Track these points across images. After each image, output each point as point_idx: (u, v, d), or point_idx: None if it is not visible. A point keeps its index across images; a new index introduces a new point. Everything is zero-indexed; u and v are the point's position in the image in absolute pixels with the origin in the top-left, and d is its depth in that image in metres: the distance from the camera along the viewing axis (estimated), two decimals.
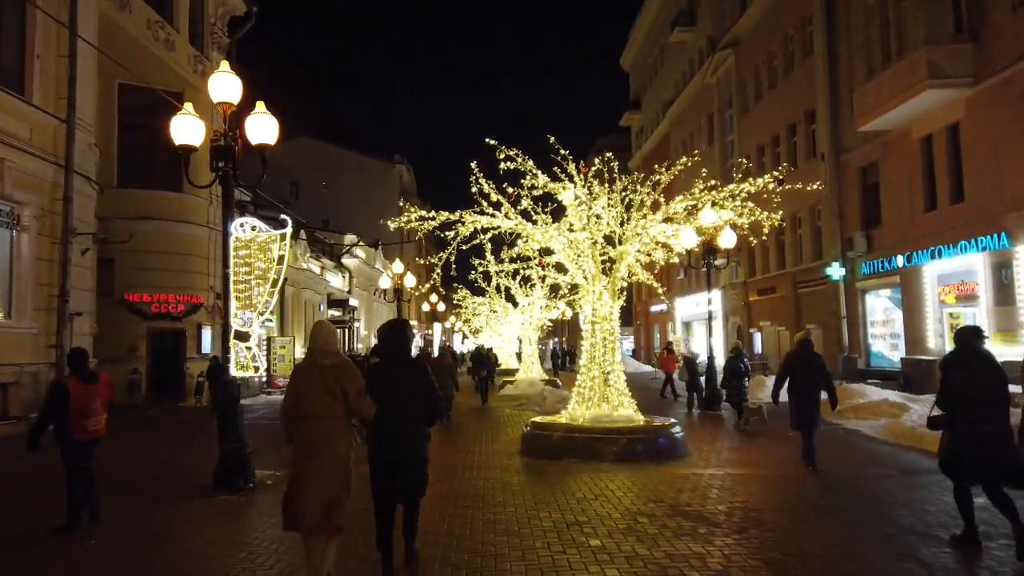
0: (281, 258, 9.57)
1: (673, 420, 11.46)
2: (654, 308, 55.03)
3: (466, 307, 33.02)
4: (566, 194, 10.75)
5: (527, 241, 11.70)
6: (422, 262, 11.50)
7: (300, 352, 35.06)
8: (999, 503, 5.99)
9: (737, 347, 17.62)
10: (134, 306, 22.66)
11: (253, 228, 9.76)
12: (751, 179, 10.28)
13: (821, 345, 28.60)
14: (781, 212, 11.00)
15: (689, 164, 10.96)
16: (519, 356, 37.00)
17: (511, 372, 33.60)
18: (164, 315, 23.10)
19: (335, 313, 46.25)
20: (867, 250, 24.91)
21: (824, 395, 10.01)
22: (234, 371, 9.95)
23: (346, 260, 51.52)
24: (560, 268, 12.25)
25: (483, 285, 26.26)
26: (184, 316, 23.54)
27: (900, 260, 22.61)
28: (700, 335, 47.62)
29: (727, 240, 19.00)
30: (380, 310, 59.42)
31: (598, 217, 11.01)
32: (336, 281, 47.78)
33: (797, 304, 30.66)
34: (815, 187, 10.46)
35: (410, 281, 29.90)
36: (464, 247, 11.71)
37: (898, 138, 22.66)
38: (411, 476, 5.44)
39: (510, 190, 10.44)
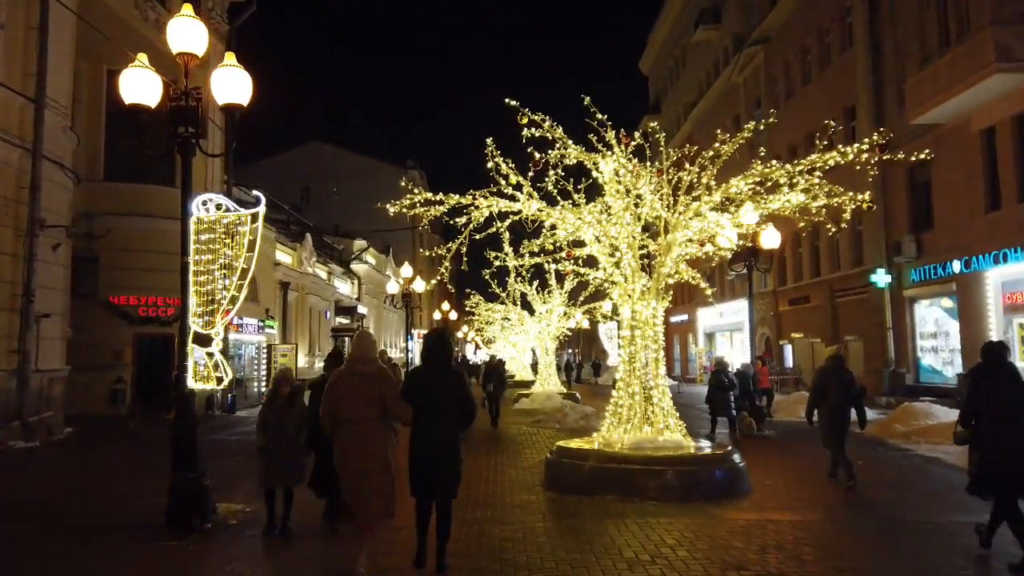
0: (252, 243, 7.66)
1: (729, 447, 9.46)
2: (674, 319, 52.87)
3: (479, 315, 31.07)
4: (606, 165, 8.80)
5: (553, 229, 9.78)
6: (427, 254, 9.46)
7: (303, 360, 33.26)
8: (1013, 519, 5.97)
9: (720, 361, 17.14)
10: (120, 309, 20.89)
11: (218, 207, 7.85)
12: (840, 147, 8.32)
13: (862, 359, 26.50)
14: (869, 193, 9.00)
15: (749, 132, 8.96)
16: (534, 367, 35.04)
17: (526, 384, 31.62)
18: (152, 319, 21.32)
19: (343, 320, 44.52)
20: (917, 255, 22.82)
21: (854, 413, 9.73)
22: (192, 382, 8.04)
23: (355, 266, 49.81)
24: (591, 263, 10.31)
25: (497, 290, 24.35)
26: (175, 321, 21.66)
27: (957, 265, 20.50)
28: (723, 347, 45.50)
29: (770, 240, 17.04)
30: (390, 318, 57.63)
31: (639, 199, 9.08)
32: (344, 288, 46.03)
33: (834, 314, 28.55)
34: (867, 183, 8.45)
35: (420, 286, 28.12)
36: (478, 236, 9.82)
37: (953, 132, 20.61)
38: (446, 474, 5.80)
39: (536, 156, 8.50)
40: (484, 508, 8.24)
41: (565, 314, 27.50)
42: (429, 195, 9.50)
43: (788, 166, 8.31)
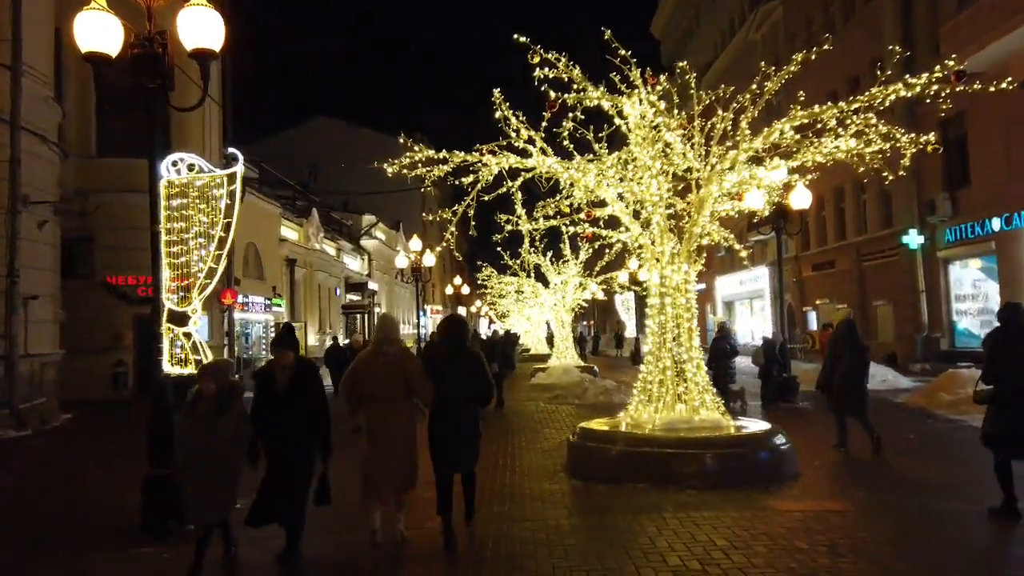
0: (230, 208, 6.71)
1: (772, 425, 8.47)
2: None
3: (491, 287, 30.09)
4: (631, 107, 7.71)
5: (570, 187, 8.76)
6: (431, 218, 8.43)
7: (313, 339, 32.48)
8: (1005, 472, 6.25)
9: (723, 326, 16.03)
10: (117, 289, 20.11)
11: (191, 167, 6.89)
12: (907, 77, 7.19)
13: (892, 323, 25.41)
14: (934, 134, 7.87)
15: (796, 66, 7.79)
16: (550, 341, 34.12)
17: (543, 358, 30.73)
18: (153, 299, 20.47)
19: (353, 297, 43.71)
20: (952, 214, 21.62)
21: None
22: (167, 366, 7.14)
23: (365, 242, 48.90)
24: (612, 225, 9.27)
25: (509, 261, 23.35)
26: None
27: (996, 223, 19.32)
28: (743, 316, 44.40)
29: (800, 200, 15.89)
30: (402, 294, 56.83)
31: (667, 147, 8.01)
32: (354, 264, 45.18)
33: (861, 279, 27.40)
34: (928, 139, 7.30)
35: (430, 260, 27.16)
36: (486, 197, 8.81)
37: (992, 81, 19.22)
38: (465, 449, 6.04)
39: (552, 95, 7.40)
40: (500, 501, 7.33)
41: (580, 285, 26.49)
42: (431, 152, 8.48)
43: (843, 104, 7.19)
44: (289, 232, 30.88)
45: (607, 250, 26.15)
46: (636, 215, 8.74)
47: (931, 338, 22.78)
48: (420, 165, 8.69)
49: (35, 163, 14.59)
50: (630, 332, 49.63)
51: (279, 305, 28.53)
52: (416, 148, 8.49)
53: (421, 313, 59.61)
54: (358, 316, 44.51)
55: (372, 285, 47.37)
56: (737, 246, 9.53)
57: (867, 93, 7.17)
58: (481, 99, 8.96)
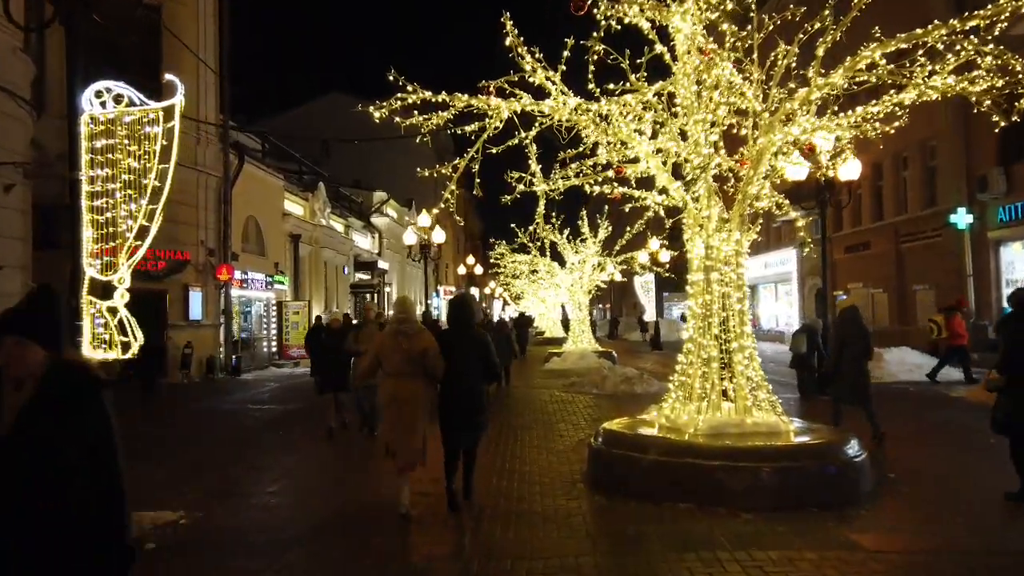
0: (167, 151, 5.22)
1: (842, 431, 6.94)
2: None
3: (504, 267, 28.58)
4: (682, 21, 6.08)
5: (588, 145, 7.24)
6: (427, 174, 6.85)
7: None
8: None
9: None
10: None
11: (118, 99, 5.40)
12: None
13: (934, 310, 23.67)
14: None
15: None
16: (566, 324, 32.68)
17: (558, 342, 29.27)
18: (141, 274, 18.93)
19: (363, 276, 42.35)
20: (1006, 191, 19.81)
21: None
22: (88, 349, 5.72)
23: (376, 220, 47.47)
24: (644, 184, 7.71)
25: (524, 238, 21.79)
26: (166, 275, 19.64)
27: None
28: (766, 301, 42.65)
29: (849, 171, 14.22)
30: (414, 273, 55.42)
31: (722, 84, 6.42)
32: (364, 242, 43.78)
33: (899, 261, 25.65)
34: None
35: (440, 236, 25.68)
36: (494, 150, 7.29)
37: None
38: (473, 423, 6.34)
39: None
40: (505, 521, 5.87)
41: (599, 265, 24.95)
42: (426, 94, 6.96)
43: (955, 21, 5.57)
44: (293, 207, 29.47)
45: (627, 228, 24.91)
46: (675, 172, 7.20)
47: (978, 325, 21.04)
48: (416, 112, 7.20)
49: (1, 121, 13.21)
50: (649, 315, 48.08)
51: (282, 283, 27.18)
52: (409, 88, 6.96)
53: (434, 295, 58.33)
54: (367, 295, 43.18)
55: (382, 264, 46.01)
56: (793, 214, 7.98)
57: (994, 4, 5.50)
58: (490, 36, 7.38)
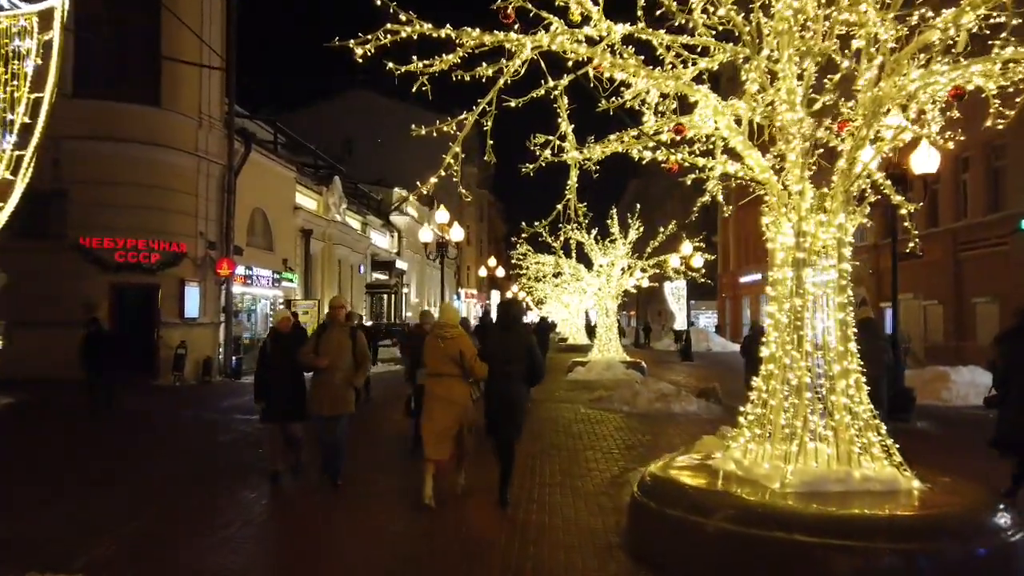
0: (41, 73, 3.56)
1: (987, 493, 5.06)
2: (745, 278, 47.96)
3: (527, 269, 26.80)
4: None
5: (636, 97, 5.49)
6: (423, 132, 5.05)
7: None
8: None
9: (756, 324, 14.84)
10: (92, 253, 17.39)
11: None
12: None
13: (999, 324, 21.54)
14: None
15: None
16: (591, 331, 30.89)
17: (582, 349, 27.45)
18: (132, 266, 17.78)
19: (380, 276, 40.85)
20: None
21: None
22: None
23: (395, 218, 45.96)
24: (706, 152, 5.89)
25: (548, 237, 20.00)
26: (159, 268, 18.16)
27: None
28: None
29: (924, 163, 12.27)
30: (434, 275, 53.76)
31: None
32: (382, 241, 42.29)
33: (957, 271, 23.59)
34: None
35: (458, 234, 24.04)
36: (513, 103, 5.53)
37: None
38: (509, 421, 6.55)
39: None
40: None
41: (628, 269, 23.10)
42: (426, 26, 5.23)
43: None
44: (306, 200, 27.97)
45: (660, 229, 23.02)
46: (753, 138, 5.40)
47: None
48: (416, 58, 5.46)
49: None
50: (679, 324, 46.13)
51: (290, 280, 25.65)
52: (403, 18, 5.23)
53: (454, 296, 56.66)
54: (384, 296, 41.65)
55: (400, 264, 44.50)
56: (897, 198, 6.15)
57: None
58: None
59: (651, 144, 5.56)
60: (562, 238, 21.02)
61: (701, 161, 5.64)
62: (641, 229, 23.04)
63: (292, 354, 7.35)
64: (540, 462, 8.46)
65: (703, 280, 24.88)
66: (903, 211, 6.28)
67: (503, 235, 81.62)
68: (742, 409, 5.45)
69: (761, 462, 5.02)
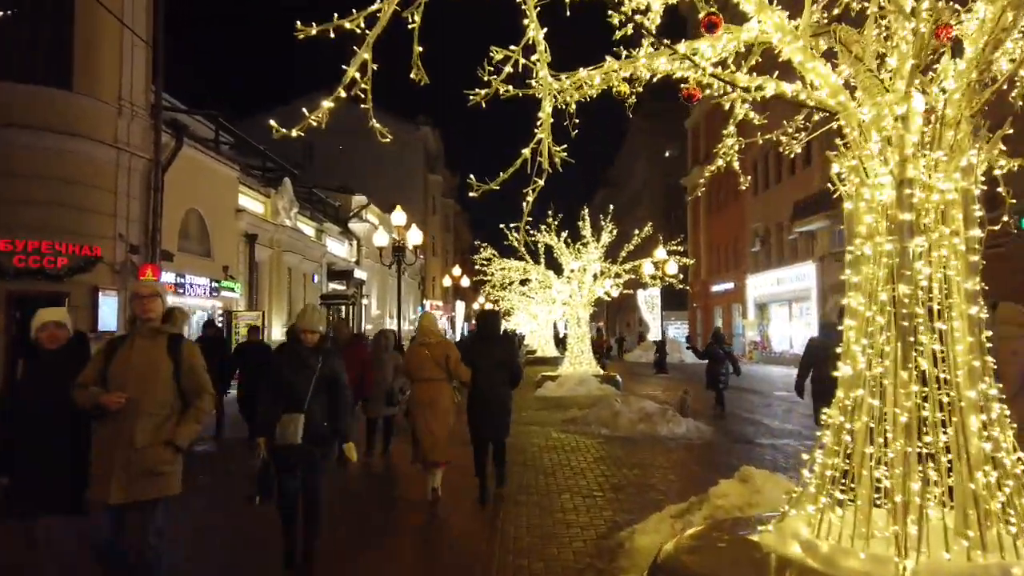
0: None
1: None
2: (716, 287, 46.62)
3: (492, 275, 24.84)
4: None
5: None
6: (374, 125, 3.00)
7: (278, 334, 27.23)
8: None
9: (718, 331, 16.56)
10: None
11: None
12: None
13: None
14: None
15: None
16: (560, 342, 29.02)
17: (551, 362, 25.58)
18: (34, 271, 15.34)
19: (337, 286, 38.48)
20: None
21: None
22: None
23: (354, 226, 43.68)
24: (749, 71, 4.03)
25: (513, 239, 18.04)
26: (68, 275, 15.77)
27: None
28: (779, 320, 39.09)
29: None
30: (396, 285, 51.69)
31: None
32: (340, 249, 40.02)
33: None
34: None
35: (415, 237, 22.05)
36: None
37: None
38: (497, 423, 7.29)
39: None
40: None
41: (601, 273, 21.30)
42: None
43: None
44: (252, 203, 25.73)
45: (635, 232, 21.28)
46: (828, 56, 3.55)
47: None
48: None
49: None
50: (653, 334, 44.56)
51: (232, 289, 23.34)
52: None
53: (419, 308, 54.49)
54: (342, 307, 39.34)
55: (359, 273, 42.24)
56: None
57: None
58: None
59: (669, 54, 3.63)
60: (528, 237, 19.09)
61: (743, 80, 3.71)
62: (614, 232, 21.31)
63: (60, 386, 4.21)
64: (506, 513, 6.50)
65: (680, 286, 23.22)
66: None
67: (469, 245, 79.74)
68: (805, 457, 3.55)
69: (852, 545, 3.11)
